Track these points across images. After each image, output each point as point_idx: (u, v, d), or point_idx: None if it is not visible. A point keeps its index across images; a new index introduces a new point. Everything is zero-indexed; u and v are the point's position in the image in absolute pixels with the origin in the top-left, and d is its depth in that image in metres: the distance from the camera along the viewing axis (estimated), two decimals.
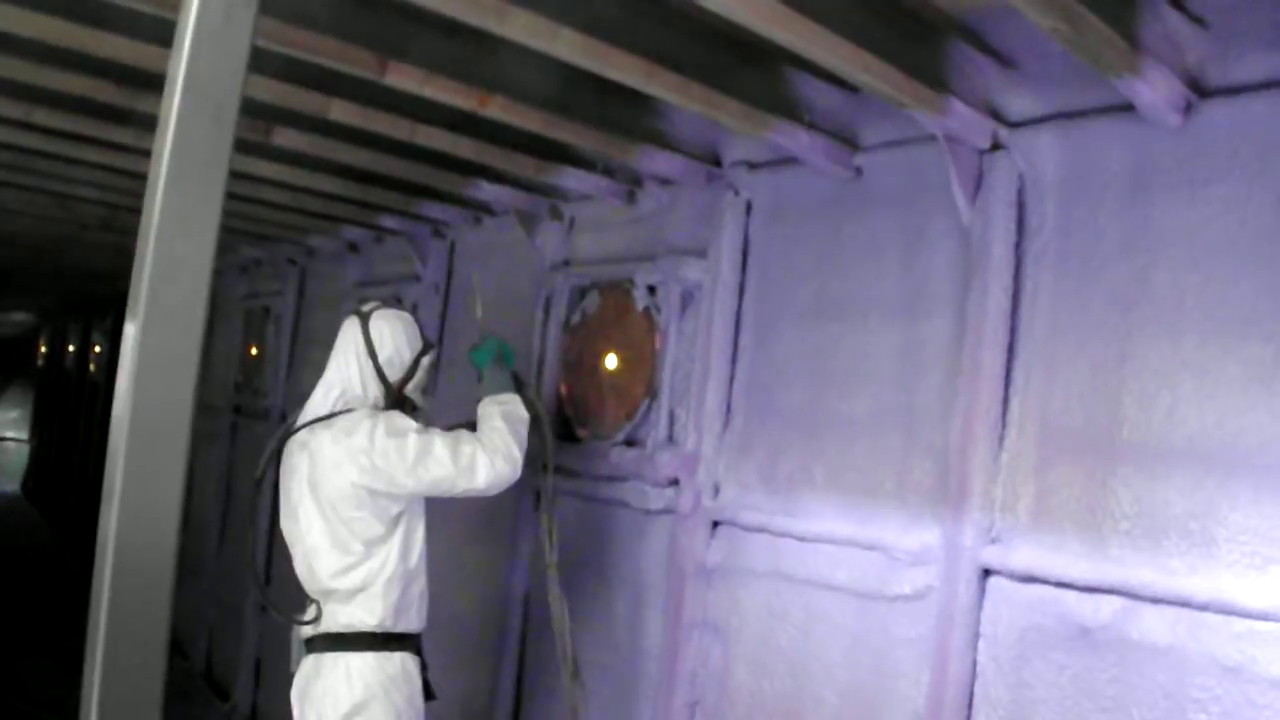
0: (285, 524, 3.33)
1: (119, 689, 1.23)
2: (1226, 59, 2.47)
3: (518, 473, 3.30)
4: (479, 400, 3.52)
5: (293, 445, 3.31)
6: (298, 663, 3.33)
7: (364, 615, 3.20)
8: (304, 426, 3.28)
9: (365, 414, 3.24)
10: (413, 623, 3.31)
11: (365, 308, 3.43)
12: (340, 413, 3.26)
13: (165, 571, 1.26)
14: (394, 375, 3.36)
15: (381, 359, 3.34)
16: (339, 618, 3.22)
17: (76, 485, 12.96)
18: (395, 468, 3.15)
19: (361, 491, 3.16)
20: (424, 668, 3.35)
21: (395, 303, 3.54)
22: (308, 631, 3.28)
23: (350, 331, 3.38)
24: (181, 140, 1.25)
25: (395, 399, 3.36)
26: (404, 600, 3.26)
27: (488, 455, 3.23)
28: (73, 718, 1.26)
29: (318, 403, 3.33)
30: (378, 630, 3.21)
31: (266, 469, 3.38)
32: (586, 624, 3.95)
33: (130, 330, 1.24)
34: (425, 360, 3.44)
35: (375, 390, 3.34)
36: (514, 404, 3.45)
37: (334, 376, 3.35)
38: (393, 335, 3.37)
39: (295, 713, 3.32)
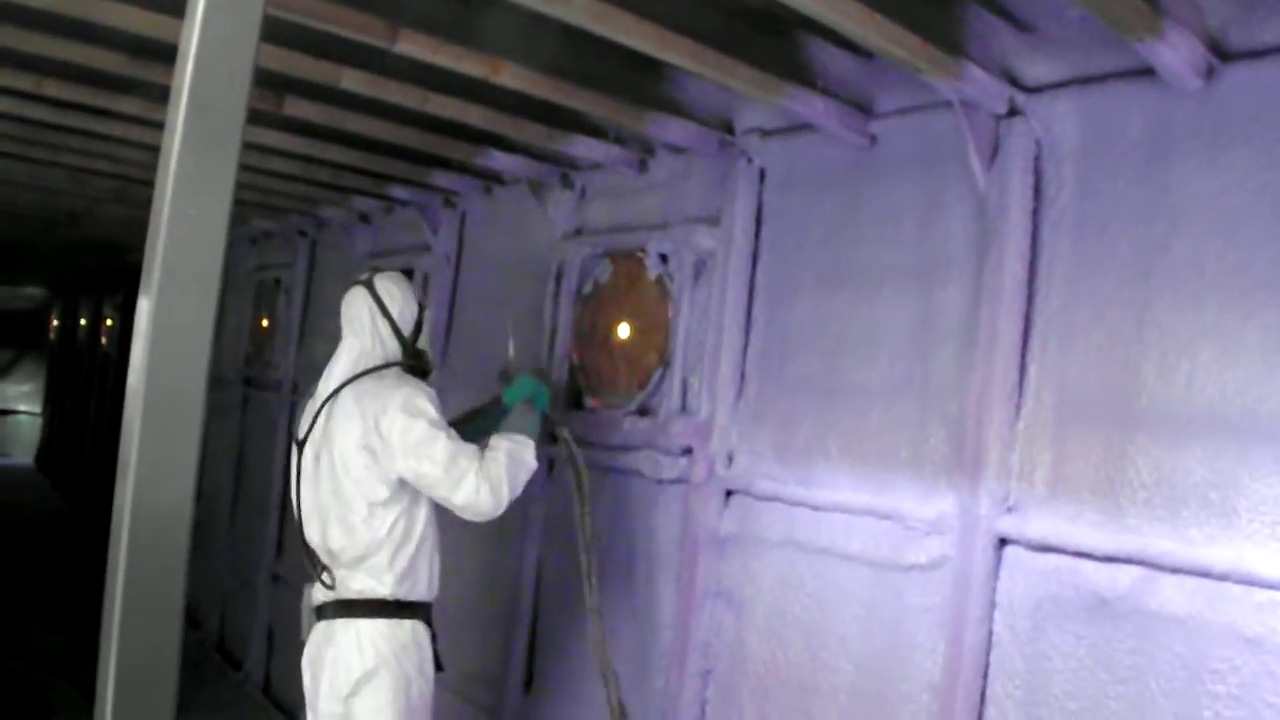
0: (303, 487, 3.37)
1: (135, 659, 1.24)
2: (1249, 21, 2.43)
3: (498, 511, 3.25)
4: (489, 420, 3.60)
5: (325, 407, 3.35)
6: (308, 630, 3.38)
7: (373, 583, 3.24)
8: (340, 388, 3.31)
9: (395, 379, 3.31)
10: (423, 592, 3.34)
11: (362, 276, 3.52)
12: (366, 372, 3.32)
13: (180, 543, 1.26)
14: (407, 330, 3.46)
15: (395, 316, 3.43)
16: (350, 584, 3.26)
17: (89, 457, 13.02)
18: (394, 442, 3.17)
19: (365, 453, 3.19)
20: (433, 638, 3.37)
21: (383, 269, 3.62)
22: (319, 599, 3.33)
23: (360, 300, 3.45)
24: (195, 111, 1.24)
25: (411, 352, 3.45)
26: (412, 570, 3.28)
27: (478, 480, 3.19)
28: (87, 687, 1.26)
29: (341, 375, 3.37)
30: (388, 598, 3.25)
31: (310, 431, 3.37)
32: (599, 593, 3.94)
33: (144, 303, 1.24)
34: (427, 313, 3.55)
35: (394, 346, 3.43)
36: (524, 448, 3.37)
37: (355, 344, 3.41)
38: (401, 292, 3.49)
39: (306, 679, 3.37)
